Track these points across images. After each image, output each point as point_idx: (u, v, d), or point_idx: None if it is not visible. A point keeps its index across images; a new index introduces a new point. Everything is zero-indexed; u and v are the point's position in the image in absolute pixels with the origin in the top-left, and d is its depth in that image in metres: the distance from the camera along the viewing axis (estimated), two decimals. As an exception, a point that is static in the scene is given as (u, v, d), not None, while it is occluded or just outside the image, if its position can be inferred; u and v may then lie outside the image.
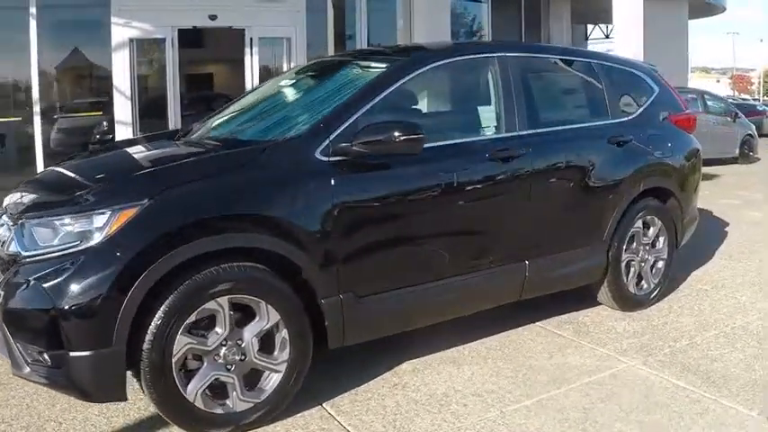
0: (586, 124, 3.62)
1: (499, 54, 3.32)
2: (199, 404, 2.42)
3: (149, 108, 8.11)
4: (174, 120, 8.20)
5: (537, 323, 3.70)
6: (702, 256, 5.07)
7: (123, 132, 7.74)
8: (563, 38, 13.64)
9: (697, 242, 5.15)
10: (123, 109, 7.88)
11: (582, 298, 3.89)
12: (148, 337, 2.30)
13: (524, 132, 3.23)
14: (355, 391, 2.89)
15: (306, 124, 2.78)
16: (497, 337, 3.48)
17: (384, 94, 2.86)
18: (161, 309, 2.31)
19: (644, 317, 3.82)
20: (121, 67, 7.78)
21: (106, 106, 7.77)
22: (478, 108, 3.19)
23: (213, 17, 8.40)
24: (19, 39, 6.91)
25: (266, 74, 8.56)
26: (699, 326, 3.64)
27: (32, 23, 6.97)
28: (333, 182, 2.62)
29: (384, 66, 3.01)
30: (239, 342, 2.49)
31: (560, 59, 3.78)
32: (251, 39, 8.54)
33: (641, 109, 3.93)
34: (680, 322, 3.71)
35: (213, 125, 3.38)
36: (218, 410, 2.46)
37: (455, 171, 2.95)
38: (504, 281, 3.21)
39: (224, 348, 2.46)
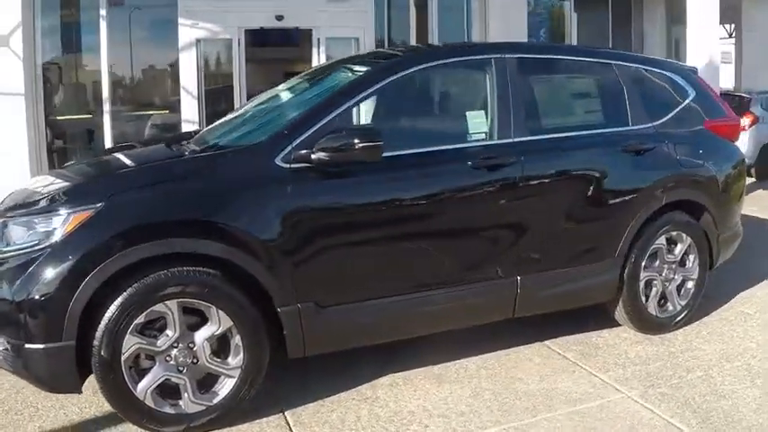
0: (598, 131, 3.31)
1: (497, 56, 3.11)
2: (149, 402, 2.47)
3: (216, 107, 8.47)
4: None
5: (545, 341, 3.46)
6: (757, 274, 4.52)
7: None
8: (656, 39, 12.68)
9: (752, 259, 4.69)
10: (190, 108, 8.26)
11: (604, 317, 3.59)
12: (98, 334, 2.38)
13: (519, 139, 3.01)
14: (323, 401, 2.83)
15: (274, 131, 2.76)
16: (493, 355, 3.29)
17: (354, 101, 2.77)
18: (110, 308, 2.38)
19: (665, 341, 3.46)
20: (188, 66, 8.14)
21: (174, 105, 8.22)
22: (468, 114, 2.99)
23: (280, 18, 8.57)
24: (91, 40, 7.45)
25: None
26: (723, 355, 3.24)
27: (103, 24, 7.48)
28: (290, 189, 2.57)
29: (363, 71, 2.92)
30: (191, 345, 2.51)
31: (573, 60, 3.46)
32: (318, 39, 8.63)
33: (671, 114, 3.54)
34: (702, 350, 3.32)
35: (211, 130, 3.44)
36: (169, 410, 2.50)
37: (429, 180, 2.81)
38: (491, 297, 3.02)
39: (175, 350, 2.49)
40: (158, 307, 2.43)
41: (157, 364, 2.49)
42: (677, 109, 3.59)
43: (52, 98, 7.53)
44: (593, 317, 3.61)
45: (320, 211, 2.64)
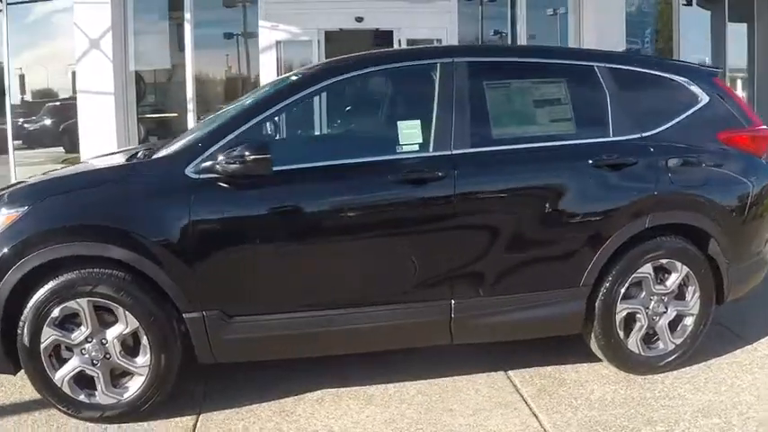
0: (563, 143, 2.94)
1: (444, 60, 2.89)
2: (66, 389, 2.65)
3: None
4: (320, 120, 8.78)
5: (510, 371, 3.17)
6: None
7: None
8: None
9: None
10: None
11: (588, 349, 3.20)
12: (20, 324, 2.59)
13: (457, 152, 2.78)
14: (240, 410, 2.83)
15: (191, 142, 2.80)
16: (442, 380, 3.07)
17: (266, 113, 2.74)
18: (30, 301, 2.59)
19: (646, 384, 3.01)
20: (269, 68, 8.50)
21: (254, 105, 8.64)
22: (400, 124, 2.80)
23: (359, 19, 8.63)
24: (176, 42, 8.06)
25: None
26: (703, 408, 2.76)
27: (188, 27, 8.06)
28: (193, 198, 2.61)
29: (293, 79, 2.85)
30: (104, 341, 2.65)
31: (540, 63, 3.09)
32: (399, 40, 8.54)
33: (670, 123, 3.06)
34: (684, 399, 2.85)
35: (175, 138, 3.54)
36: (84, 398, 2.66)
37: (340, 193, 2.70)
38: (420, 320, 2.81)
39: (89, 344, 2.64)
40: (71, 304, 2.60)
41: (74, 355, 2.66)
42: (680, 117, 3.09)
43: (143, 97, 8.28)
44: (577, 348, 3.25)
45: (222, 222, 2.65)
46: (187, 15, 8.05)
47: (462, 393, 2.97)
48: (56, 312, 2.60)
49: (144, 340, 2.65)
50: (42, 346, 2.62)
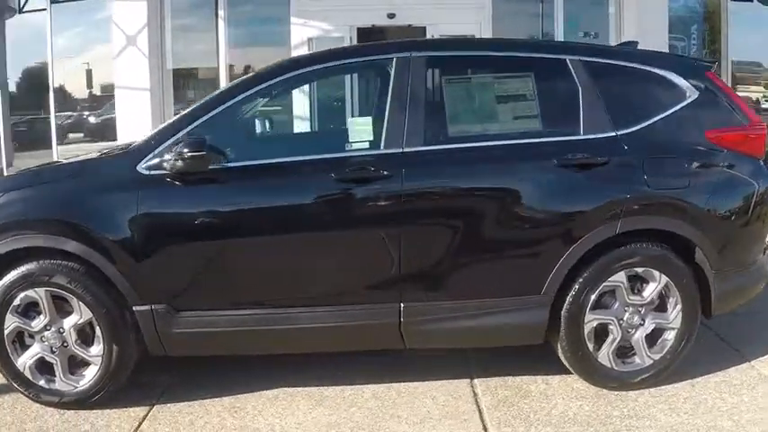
0: (525, 141, 2.78)
1: (401, 55, 2.79)
2: (27, 374, 2.76)
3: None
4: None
5: (477, 379, 3.06)
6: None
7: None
8: None
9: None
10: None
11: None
12: (-14, 311, 2.74)
13: (409, 150, 2.67)
14: (192, 403, 2.86)
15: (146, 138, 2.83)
16: (401, 385, 2.99)
17: (219, 109, 2.74)
18: None
19: (618, 401, 2.81)
20: (301, 64, 8.62)
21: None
22: (351, 121, 2.73)
23: (392, 15, 8.56)
24: (209, 38, 8.26)
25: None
26: (669, 432, 2.55)
27: (221, 24, 8.23)
28: (141, 194, 2.65)
29: (247, 76, 2.83)
30: (61, 330, 2.74)
31: (506, 57, 2.91)
32: (432, 36, 8.40)
33: (651, 120, 2.83)
34: (653, 420, 2.64)
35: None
36: (43, 384, 2.76)
37: (282, 191, 2.67)
38: (368, 322, 2.73)
39: (48, 332, 2.74)
40: (30, 292, 2.70)
41: (35, 342, 2.77)
42: (663, 114, 2.86)
43: (180, 93, 8.55)
44: (556, 358, 3.07)
45: (166, 218, 2.69)
46: (221, 13, 8.25)
47: (418, 400, 2.88)
48: (17, 300, 2.71)
49: (97, 331, 2.73)
50: (6, 332, 2.74)
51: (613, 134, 2.81)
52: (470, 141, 2.80)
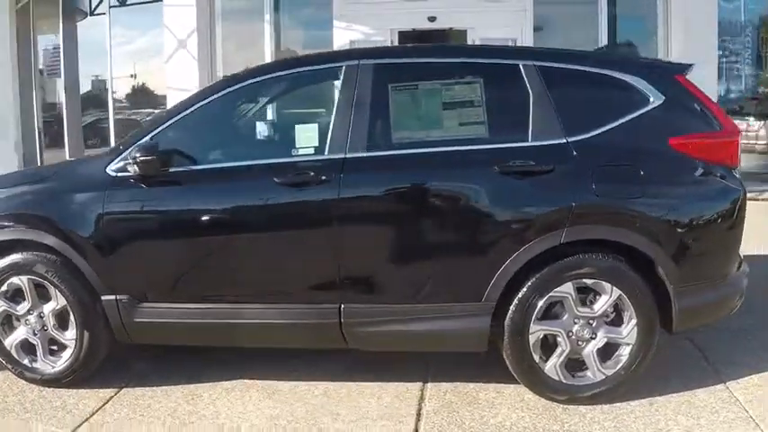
0: (467, 147, 2.74)
1: (349, 63, 2.85)
2: (14, 354, 3.06)
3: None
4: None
5: (430, 382, 3.07)
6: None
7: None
8: None
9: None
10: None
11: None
12: (-19, 296, 3.08)
13: (351, 156, 2.73)
14: (156, 389, 3.05)
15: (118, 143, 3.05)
16: (355, 384, 3.05)
17: (180, 116, 2.91)
18: None
19: (564, 415, 2.74)
20: (343, 67, 8.77)
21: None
22: (297, 127, 2.80)
23: (432, 19, 8.60)
24: (257, 43, 8.57)
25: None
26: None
27: (267, 29, 8.55)
28: (106, 194, 2.87)
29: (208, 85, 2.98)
30: (41, 315, 3.02)
31: (453, 64, 2.88)
32: (473, 41, 8.40)
33: (608, 126, 2.72)
34: (589, 437, 2.55)
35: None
36: (26, 363, 3.06)
37: (230, 194, 2.80)
38: (311, 321, 2.82)
39: (31, 316, 3.03)
40: (15, 280, 3.00)
41: (21, 325, 3.07)
42: (621, 120, 2.74)
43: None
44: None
45: (128, 216, 2.90)
46: (267, 17, 8.59)
47: (363, 399, 2.94)
48: (5, 286, 3.02)
49: (71, 317, 2.99)
50: (-7, 316, 3.08)
51: (563, 141, 2.73)
52: (413, 148, 2.81)
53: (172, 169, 2.87)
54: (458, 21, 8.45)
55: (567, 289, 2.72)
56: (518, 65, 2.81)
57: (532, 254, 2.67)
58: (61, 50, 9.51)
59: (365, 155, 2.76)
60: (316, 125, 2.80)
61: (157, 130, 2.93)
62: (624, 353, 2.77)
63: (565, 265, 2.70)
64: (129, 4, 9.22)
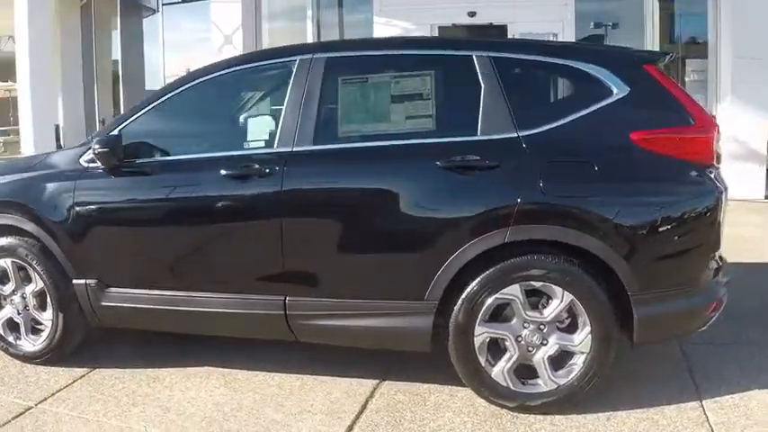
0: (412, 141, 2.64)
1: (303, 57, 2.82)
2: (0, 331, 3.29)
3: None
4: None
5: (386, 381, 3.01)
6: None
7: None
8: None
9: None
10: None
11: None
12: (-27, 277, 3.32)
13: (297, 149, 2.71)
14: (125, 371, 3.17)
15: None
16: (311, 378, 3.04)
17: (146, 108, 3.01)
18: None
19: (508, 424, 2.60)
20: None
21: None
22: (250, 121, 2.80)
23: (472, 14, 8.47)
24: (300, 37, 8.72)
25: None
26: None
27: (310, 26, 8.67)
28: (77, 184, 3.01)
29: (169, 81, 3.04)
30: (24, 296, 3.22)
31: (404, 56, 2.77)
32: (513, 35, 8.29)
33: (564, 120, 2.54)
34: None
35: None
36: (11, 340, 3.27)
37: (183, 186, 2.86)
38: (258, 312, 2.83)
39: (15, 297, 3.24)
40: (1, 262, 3.22)
41: (7, 304, 3.28)
42: (579, 113, 2.56)
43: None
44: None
45: (94, 205, 3.02)
46: (309, 13, 8.71)
47: (313, 393, 2.93)
48: (-12, 270, 3.27)
49: (48, 299, 3.17)
50: (-21, 296, 3.32)
51: (514, 135, 2.57)
52: (358, 142, 2.76)
53: (138, 161, 2.98)
54: (498, 16, 8.29)
55: (515, 291, 2.57)
56: (471, 56, 2.67)
57: (474, 253, 2.54)
58: (118, 44, 10.14)
59: (310, 148, 2.73)
60: (267, 119, 2.81)
61: (124, 123, 3.05)
62: (578, 362, 2.58)
63: (511, 265, 2.56)
64: (183, 1, 9.68)
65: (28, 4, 7.72)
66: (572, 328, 2.60)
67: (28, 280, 3.24)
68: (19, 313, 3.27)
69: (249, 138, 2.86)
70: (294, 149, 2.75)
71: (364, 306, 2.72)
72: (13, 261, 3.21)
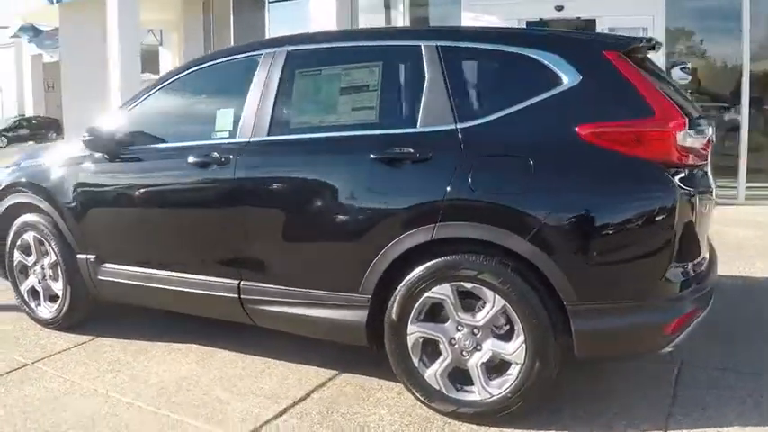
0: (353, 133, 2.61)
1: (267, 51, 2.91)
2: (26, 297, 3.69)
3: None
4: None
5: (346, 373, 3.01)
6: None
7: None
8: None
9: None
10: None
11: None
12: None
13: (254, 139, 2.81)
14: (119, 341, 3.45)
15: None
16: (278, 363, 3.11)
17: (141, 100, 3.27)
18: (10, 232, 3.70)
19: (437, 431, 2.47)
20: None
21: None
22: (218, 113, 2.93)
23: (560, 8, 8.18)
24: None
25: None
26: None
27: (401, 21, 8.81)
28: (77, 168, 3.35)
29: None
30: (42, 266, 3.61)
31: (357, 47, 2.75)
32: (602, 30, 7.88)
33: (505, 112, 2.39)
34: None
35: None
36: (33, 306, 3.68)
37: (160, 172, 3.08)
38: (217, 294, 2.95)
39: (36, 267, 3.63)
40: (25, 236, 3.63)
41: (31, 274, 3.68)
42: (522, 104, 2.39)
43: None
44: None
45: (90, 186, 3.32)
46: (401, 8, 8.88)
47: (269, 377, 3.00)
48: (19, 242, 3.69)
49: (59, 271, 3.54)
50: (15, 263, 3.74)
51: (452, 128, 2.46)
52: (306, 133, 2.80)
53: (127, 148, 3.24)
54: (586, 9, 7.92)
55: (446, 291, 2.47)
56: (420, 46, 2.59)
57: (402, 248, 2.47)
58: (231, 38, 10.93)
59: (263, 139, 2.82)
60: (231, 110, 2.92)
61: (120, 113, 3.35)
62: (513, 372, 2.42)
63: (442, 263, 2.45)
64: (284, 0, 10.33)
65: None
66: (509, 335, 2.44)
67: (45, 253, 3.64)
68: (39, 282, 3.68)
69: (217, 128, 3.01)
70: (251, 140, 2.85)
71: (307, 295, 2.75)
72: (34, 236, 3.62)
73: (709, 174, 2.75)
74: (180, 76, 3.23)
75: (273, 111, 2.82)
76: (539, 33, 2.91)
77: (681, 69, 7.33)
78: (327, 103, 2.86)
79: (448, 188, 2.40)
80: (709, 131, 2.70)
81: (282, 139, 2.82)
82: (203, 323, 3.48)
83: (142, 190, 3.18)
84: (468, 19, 8.49)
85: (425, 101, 2.53)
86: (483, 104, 2.52)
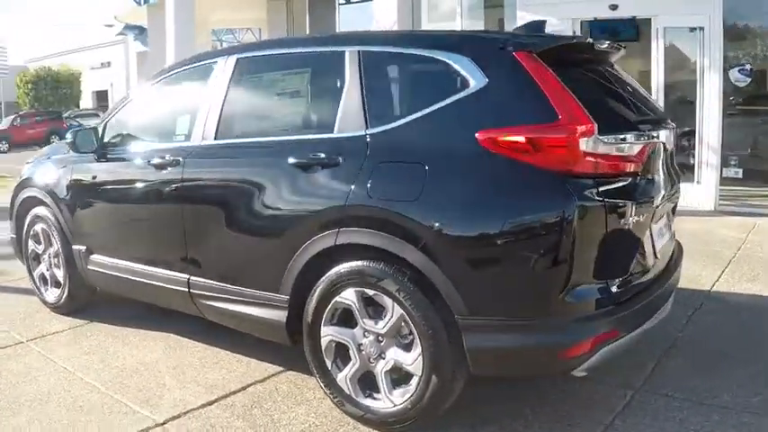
0: (277, 138, 2.72)
1: (221, 58, 3.06)
2: (38, 283, 4.11)
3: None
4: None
5: (291, 370, 3.11)
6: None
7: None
8: None
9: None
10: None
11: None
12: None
13: (204, 143, 2.99)
14: (107, 326, 3.77)
15: None
16: (254, 361, 3.22)
17: (120, 107, 3.57)
18: (25, 222, 4.13)
19: None
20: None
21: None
22: (180, 118, 3.12)
23: (614, 7, 7.86)
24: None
25: (673, 68, 7.69)
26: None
27: (459, 21, 8.77)
28: (71, 167, 3.70)
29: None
30: (50, 255, 4.01)
31: (293, 54, 2.83)
32: (657, 30, 7.63)
33: (410, 117, 2.39)
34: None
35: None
36: (43, 291, 4.08)
37: (122, 173, 3.35)
38: (172, 288, 3.16)
39: (45, 255, 4.04)
40: (36, 227, 4.05)
41: (42, 262, 4.09)
42: (428, 109, 2.36)
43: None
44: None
45: (81, 183, 3.65)
46: (458, 9, 8.88)
47: (217, 369, 3.17)
48: (32, 231, 4.12)
49: (60, 260, 3.90)
50: (28, 252, 4.18)
51: (362, 133, 2.49)
52: (243, 137, 2.96)
53: (108, 150, 3.55)
54: (641, 9, 7.58)
55: (351, 297, 2.51)
56: (344, 52, 2.64)
57: (313, 252, 2.55)
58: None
59: (209, 143, 3.00)
60: (188, 116, 3.13)
61: (107, 119, 3.66)
62: (413, 384, 2.42)
63: (347, 269, 2.49)
64: (353, 2, 10.64)
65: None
66: (410, 346, 2.43)
67: (51, 244, 4.03)
68: (47, 270, 4.09)
69: (177, 132, 3.25)
70: (197, 144, 3.05)
71: (241, 293, 2.89)
72: (42, 227, 4.03)
73: (662, 180, 2.59)
74: (158, 80, 3.50)
75: (220, 115, 2.98)
76: (449, 35, 2.83)
77: (739, 71, 6.76)
78: (265, 108, 3.01)
79: (350, 194, 2.44)
80: (659, 137, 2.54)
81: (220, 144, 2.97)
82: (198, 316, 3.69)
83: (116, 187, 3.49)
84: (524, 20, 8.30)
85: (343, 106, 2.58)
86: (393, 109, 2.53)
